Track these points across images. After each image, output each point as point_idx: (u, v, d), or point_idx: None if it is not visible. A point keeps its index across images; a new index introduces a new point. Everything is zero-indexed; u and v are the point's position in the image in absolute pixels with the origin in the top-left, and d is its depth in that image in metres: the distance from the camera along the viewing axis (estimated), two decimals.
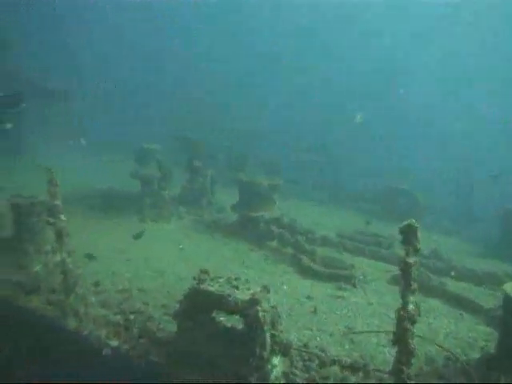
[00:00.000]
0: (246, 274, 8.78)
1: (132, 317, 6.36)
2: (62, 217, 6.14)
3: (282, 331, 5.50)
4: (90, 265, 8.01)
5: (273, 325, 5.28)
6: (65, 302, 6.20)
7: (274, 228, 10.69)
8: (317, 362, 5.71)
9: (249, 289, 5.28)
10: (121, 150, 16.38)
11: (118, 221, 11.06)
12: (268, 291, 5.37)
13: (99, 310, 6.50)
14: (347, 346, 6.43)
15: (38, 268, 7.62)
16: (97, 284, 7.31)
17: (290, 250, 10.16)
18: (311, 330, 6.85)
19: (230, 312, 5.19)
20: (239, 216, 11.10)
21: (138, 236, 9.34)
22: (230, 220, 11.49)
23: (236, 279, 5.40)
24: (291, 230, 10.79)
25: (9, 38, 17.26)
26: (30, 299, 6.76)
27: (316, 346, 6.17)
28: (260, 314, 5.00)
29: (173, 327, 5.91)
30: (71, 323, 6.14)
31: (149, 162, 11.56)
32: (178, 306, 5.72)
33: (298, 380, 5.33)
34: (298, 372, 5.47)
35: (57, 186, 6.16)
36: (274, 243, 10.50)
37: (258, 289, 5.32)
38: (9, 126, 11.30)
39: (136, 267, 8.47)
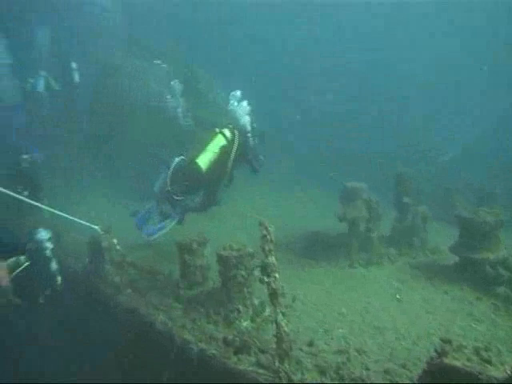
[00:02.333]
0: (476, 328, 7.46)
1: None
2: (277, 275, 5.60)
3: None
4: (302, 321, 7.38)
5: None
6: (279, 368, 5.57)
7: (501, 271, 9.18)
8: None
9: (503, 363, 4.18)
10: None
11: (324, 268, 10.30)
12: None
13: (316, 375, 5.76)
14: None
15: (246, 324, 7.19)
16: (311, 344, 6.59)
17: None
18: None
19: None
20: (460, 258, 9.74)
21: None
22: (449, 262, 10.11)
23: (486, 349, 4.31)
24: None
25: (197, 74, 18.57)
26: (240, 359, 6.29)
27: None
28: None
29: None
30: None
31: (355, 201, 10.70)
32: (407, 373, 4.93)
33: None
34: None
35: (271, 243, 5.64)
36: (503, 289, 8.93)
37: None
38: None
39: (350, 322, 7.62)
